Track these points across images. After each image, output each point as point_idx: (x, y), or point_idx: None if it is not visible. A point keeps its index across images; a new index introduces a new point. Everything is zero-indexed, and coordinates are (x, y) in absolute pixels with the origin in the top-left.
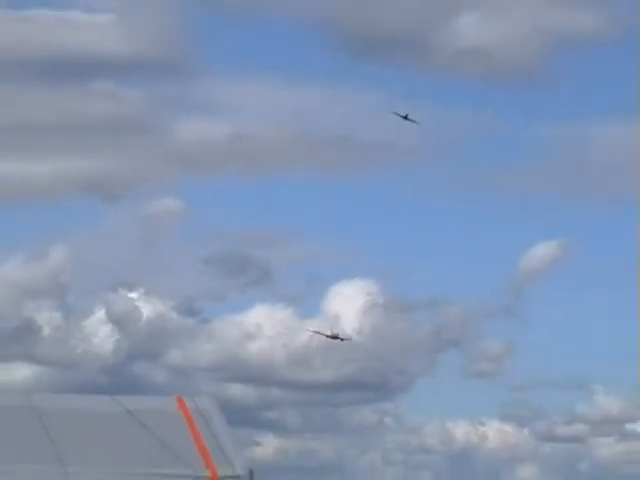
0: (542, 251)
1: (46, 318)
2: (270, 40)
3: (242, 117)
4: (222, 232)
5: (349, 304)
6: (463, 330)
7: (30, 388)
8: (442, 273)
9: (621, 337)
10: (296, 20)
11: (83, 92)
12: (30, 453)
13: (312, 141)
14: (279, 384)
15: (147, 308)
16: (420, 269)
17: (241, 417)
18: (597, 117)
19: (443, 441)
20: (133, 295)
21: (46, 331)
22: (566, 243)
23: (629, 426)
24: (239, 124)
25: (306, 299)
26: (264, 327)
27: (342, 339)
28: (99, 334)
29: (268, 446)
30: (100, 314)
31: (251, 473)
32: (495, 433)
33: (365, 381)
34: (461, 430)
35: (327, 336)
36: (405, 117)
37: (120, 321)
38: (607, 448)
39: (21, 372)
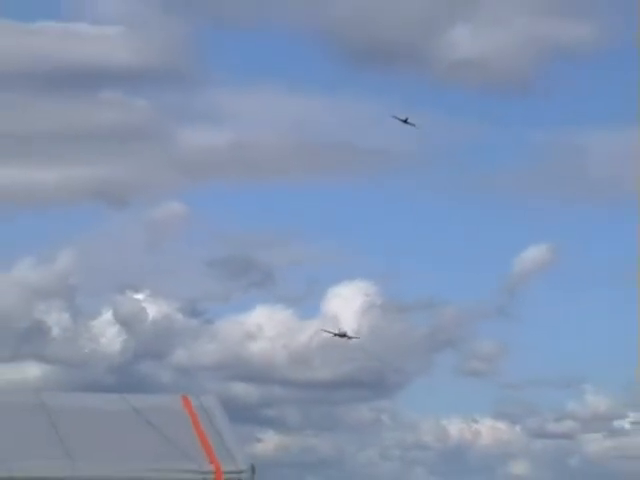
0: (535, 253)
1: (55, 319)
2: (272, 51)
3: (244, 125)
4: (225, 235)
5: (348, 305)
6: (458, 330)
7: (40, 386)
8: (438, 275)
9: (610, 337)
10: (297, 31)
11: (91, 102)
12: (40, 449)
13: (312, 147)
14: (280, 383)
15: (153, 309)
16: (416, 271)
17: (243, 414)
18: (590, 124)
19: (438, 438)
20: (139, 297)
21: (55, 331)
22: (558, 246)
23: (617, 423)
24: (241, 131)
25: (306, 300)
26: (265, 327)
27: (350, 337)
28: (106, 334)
29: (269, 442)
30: (107, 315)
31: (253, 468)
32: (488, 430)
33: (363, 380)
34: (455, 427)
35: (335, 334)
36: (405, 121)
37: (127, 322)
38: (596, 444)
39: (31, 371)
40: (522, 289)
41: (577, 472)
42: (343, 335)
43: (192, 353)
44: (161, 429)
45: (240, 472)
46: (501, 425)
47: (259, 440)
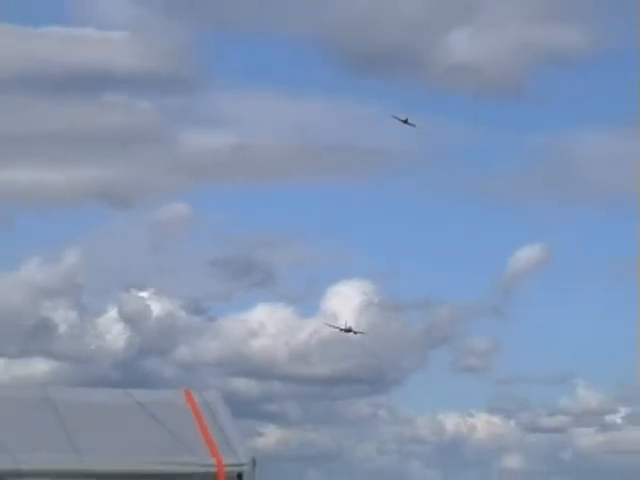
0: (528, 254)
1: (62, 316)
2: (273, 56)
3: (246, 128)
4: (227, 236)
5: (346, 303)
6: (453, 328)
7: (47, 382)
8: (434, 274)
9: (601, 335)
10: (298, 37)
11: (96, 105)
12: (47, 442)
13: (313, 149)
14: (280, 378)
15: (157, 307)
16: (414, 270)
17: (245, 409)
18: (582, 128)
19: (434, 432)
20: (144, 295)
21: (62, 329)
22: (551, 246)
23: (608, 418)
24: (243, 134)
25: (306, 299)
26: (266, 325)
27: (355, 332)
28: (112, 331)
29: (270, 436)
30: (113, 313)
31: (254, 461)
32: (483, 424)
33: (361, 376)
34: (451, 422)
35: (341, 329)
36: (405, 121)
37: (131, 319)
38: (587, 438)
39: (39, 367)
40: (516, 288)
41: (569, 466)
42: (349, 330)
43: (195, 350)
44: (165, 423)
45: (241, 465)
46: (496, 420)
47: (260, 434)
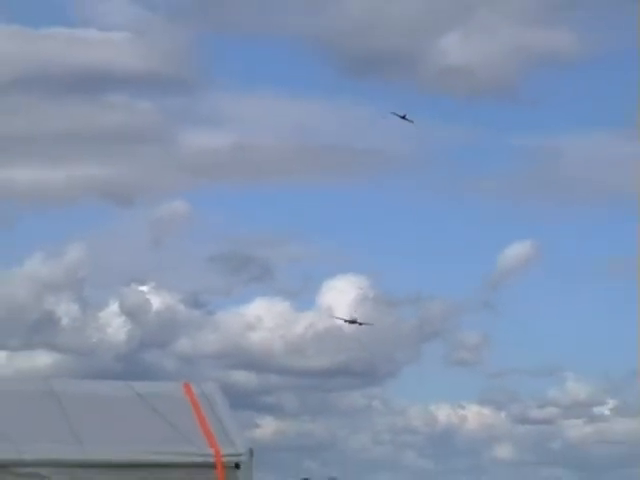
0: (517, 251)
1: (65, 310)
2: (272, 57)
3: (246, 128)
4: (226, 233)
5: (341, 298)
6: (445, 322)
7: (50, 374)
8: (427, 270)
9: (589, 328)
10: (297, 39)
11: (97, 105)
12: (49, 433)
13: (310, 150)
14: (277, 371)
15: (157, 301)
16: (407, 267)
17: (243, 401)
18: (574, 129)
19: (427, 423)
20: (144, 289)
21: (65, 322)
22: (540, 244)
23: (596, 409)
24: (243, 134)
25: (302, 293)
26: (264, 319)
27: (360, 323)
28: (113, 325)
29: (267, 427)
30: (114, 306)
31: (251, 452)
32: (474, 416)
33: (356, 368)
34: (443, 413)
35: (346, 321)
36: (403, 117)
37: (132, 313)
38: (576, 430)
39: (42, 360)
40: (505, 284)
41: (558, 456)
42: (354, 322)
43: (194, 343)
44: (164, 415)
45: (239, 455)
46: (486, 411)
47: (258, 425)
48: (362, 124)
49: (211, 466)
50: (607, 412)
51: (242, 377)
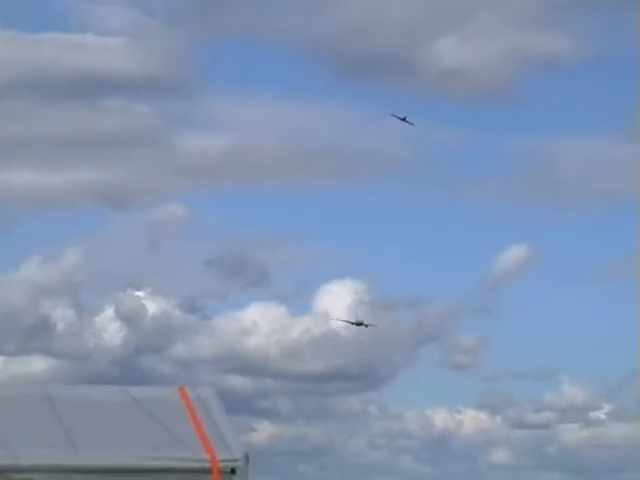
0: (515, 254)
1: (60, 315)
2: (268, 61)
3: (243, 131)
4: (222, 237)
5: (338, 302)
6: (442, 326)
7: (46, 379)
8: (423, 273)
9: (586, 332)
10: (294, 42)
11: (95, 109)
12: (45, 438)
13: (307, 153)
14: (273, 375)
15: (153, 306)
16: (403, 270)
17: (239, 405)
18: (571, 132)
19: (423, 427)
20: (140, 294)
21: (61, 327)
22: (537, 247)
23: (592, 414)
24: (239, 137)
25: (298, 298)
26: (260, 323)
27: (366, 325)
28: (109, 330)
29: (263, 432)
30: (110, 311)
31: (247, 457)
32: (470, 420)
33: (352, 372)
34: (439, 417)
35: (352, 323)
36: (403, 119)
37: (128, 318)
38: (572, 434)
39: (38, 365)
40: (502, 287)
41: (555, 460)
42: (360, 324)
43: (191, 347)
44: (160, 420)
45: (235, 460)
46: (483, 416)
47: (254, 430)
48: (359, 126)
49: (207, 471)
50: (603, 416)
51: (238, 382)
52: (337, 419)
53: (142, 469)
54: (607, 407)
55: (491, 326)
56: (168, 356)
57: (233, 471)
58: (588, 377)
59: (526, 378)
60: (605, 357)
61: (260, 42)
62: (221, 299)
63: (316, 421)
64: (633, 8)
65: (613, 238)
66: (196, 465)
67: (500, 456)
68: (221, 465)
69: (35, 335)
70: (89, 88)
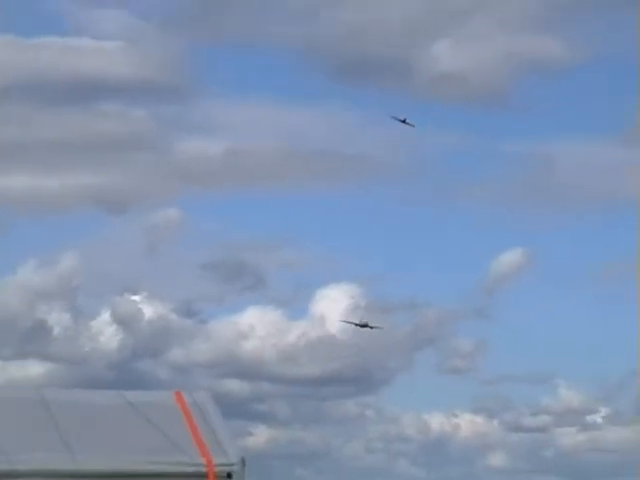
0: (511, 258)
1: (57, 319)
2: (264, 65)
3: (238, 135)
4: (219, 241)
5: (334, 306)
6: (438, 330)
7: (42, 383)
8: (419, 278)
9: (582, 336)
10: (288, 46)
11: (92, 113)
12: (41, 443)
13: (302, 156)
14: (270, 379)
15: (149, 310)
16: (400, 274)
17: (235, 410)
18: (564, 136)
19: (420, 431)
20: (136, 298)
21: (57, 331)
22: (533, 251)
23: (589, 417)
24: (235, 141)
25: (295, 302)
26: (257, 327)
27: (372, 327)
28: (105, 334)
29: (260, 436)
30: (106, 315)
31: (243, 461)
32: (467, 424)
33: (348, 376)
34: (436, 421)
35: (356, 324)
36: (403, 121)
37: (124, 322)
38: (569, 437)
39: (34, 369)
40: (498, 291)
41: (551, 464)
42: (365, 325)
43: (187, 351)
44: (156, 424)
45: (231, 465)
46: (479, 419)
47: (251, 434)
48: (355, 129)
49: (203, 476)
50: (600, 420)
51: (235, 386)
52: (334, 423)
53: (138, 473)
54: (604, 411)
55: (488, 330)
56: (164, 360)
57: (229, 475)
58: (585, 381)
59: (523, 382)
60: (602, 361)
61: (256, 45)
62: (217, 303)
63: (313, 425)
64: (629, 11)
65: (609, 242)
66: (192, 469)
67: (497, 460)
68: (217, 469)
69: (31, 339)
70: (85, 92)
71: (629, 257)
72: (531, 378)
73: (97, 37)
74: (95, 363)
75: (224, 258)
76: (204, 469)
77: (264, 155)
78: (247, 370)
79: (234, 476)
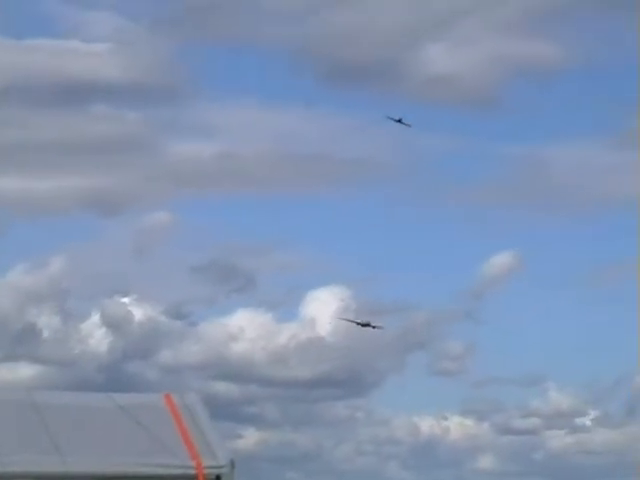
0: (501, 261)
1: (47, 322)
2: (257, 68)
3: (230, 137)
4: (209, 243)
5: (324, 309)
6: (428, 332)
7: (32, 386)
8: (409, 280)
9: (572, 339)
10: (280, 50)
11: (83, 115)
12: (31, 445)
13: (294, 159)
14: (260, 381)
15: (139, 312)
16: (389, 277)
17: (225, 412)
18: (555, 139)
19: (410, 433)
20: (126, 300)
21: (47, 333)
22: (523, 254)
23: (578, 420)
24: (227, 144)
25: (285, 304)
26: (246, 330)
27: (374, 327)
28: (95, 336)
29: (250, 438)
30: (96, 318)
31: (232, 463)
32: (457, 426)
33: (339, 378)
34: (426, 423)
35: (358, 323)
36: (399, 121)
37: (114, 324)
38: (558, 440)
39: (24, 371)
40: (488, 294)
41: (541, 466)
42: (366, 324)
43: (177, 354)
44: (145, 426)
45: (220, 467)
46: (469, 422)
47: (240, 436)
48: (348, 133)
49: (192, 478)
50: (589, 423)
51: (224, 388)
52: (324, 425)
53: (128, 475)
54: (593, 413)
55: (478, 332)
56: (154, 362)
57: (218, 478)
58: (574, 383)
59: (513, 384)
60: (592, 363)
61: (248, 48)
62: (207, 305)
63: (303, 427)
64: (625, 14)
65: (602, 244)
66: (181, 472)
67: (486, 462)
68: (206, 472)
69: (21, 341)
70: (76, 94)
71: (620, 260)
72: (521, 381)
73: (88, 39)
74: (85, 365)
75: (214, 260)
76: (193, 471)
77: (256, 158)
78: (237, 372)
79: (223, 478)
